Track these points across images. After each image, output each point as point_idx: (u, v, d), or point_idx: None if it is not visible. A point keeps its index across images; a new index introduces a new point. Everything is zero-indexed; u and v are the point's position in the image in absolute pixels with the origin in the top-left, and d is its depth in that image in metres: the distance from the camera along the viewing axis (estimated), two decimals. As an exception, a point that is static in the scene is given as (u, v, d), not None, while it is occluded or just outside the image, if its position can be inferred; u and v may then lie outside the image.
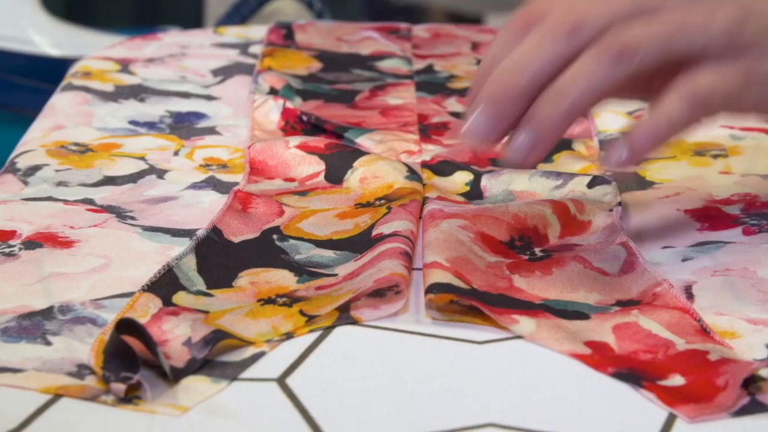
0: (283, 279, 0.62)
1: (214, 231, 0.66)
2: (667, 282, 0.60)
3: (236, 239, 0.66)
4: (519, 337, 0.57)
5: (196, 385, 0.53)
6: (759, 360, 0.55)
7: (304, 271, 0.63)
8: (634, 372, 0.54)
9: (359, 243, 0.66)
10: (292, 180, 0.74)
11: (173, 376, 0.53)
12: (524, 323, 0.57)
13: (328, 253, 0.65)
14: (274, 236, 0.66)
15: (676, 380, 0.53)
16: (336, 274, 0.63)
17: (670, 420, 0.51)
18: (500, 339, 0.57)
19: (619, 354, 0.55)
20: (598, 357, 0.55)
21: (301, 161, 0.75)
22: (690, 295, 0.60)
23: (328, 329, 0.58)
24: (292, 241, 0.66)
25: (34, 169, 0.74)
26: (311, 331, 0.57)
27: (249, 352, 0.56)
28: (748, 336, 0.57)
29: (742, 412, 0.51)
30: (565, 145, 0.77)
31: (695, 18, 0.58)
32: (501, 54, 0.59)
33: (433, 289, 0.59)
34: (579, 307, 0.59)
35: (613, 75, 0.57)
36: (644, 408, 0.52)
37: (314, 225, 0.68)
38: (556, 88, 0.58)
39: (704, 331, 0.57)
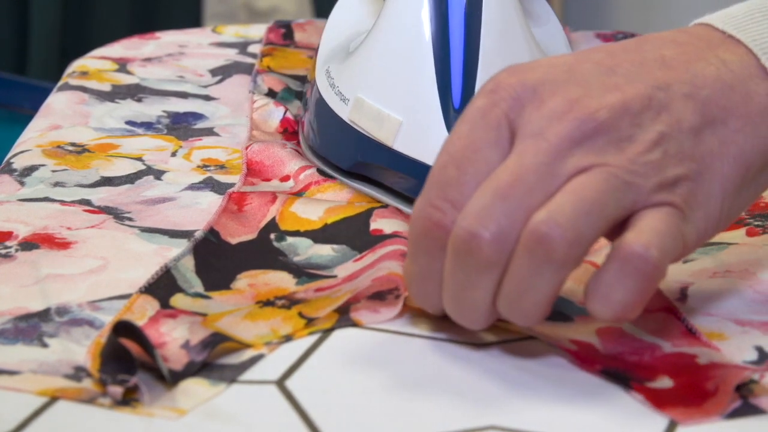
0: (281, 281, 0.62)
1: (212, 232, 0.65)
2: None
3: (234, 241, 0.65)
4: (520, 339, 0.57)
5: (194, 387, 0.53)
6: (749, 362, 0.54)
7: (303, 273, 0.63)
8: (622, 372, 0.53)
9: (356, 238, 0.65)
10: (287, 178, 0.73)
11: (171, 379, 0.53)
12: None
13: (326, 250, 0.65)
14: (272, 236, 0.66)
15: (665, 382, 0.53)
16: (335, 275, 0.62)
17: (673, 423, 0.50)
18: (501, 341, 0.57)
19: (606, 354, 0.55)
20: (584, 353, 0.55)
21: (295, 156, 0.75)
22: (683, 296, 0.60)
23: (327, 331, 0.57)
24: (289, 240, 0.66)
25: (30, 170, 0.74)
26: (311, 333, 0.57)
27: (248, 354, 0.55)
28: (735, 338, 0.57)
29: (734, 414, 0.51)
30: None
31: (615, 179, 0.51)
32: (426, 281, 0.54)
33: None
34: (563, 305, 0.59)
35: (557, 275, 0.51)
36: (647, 411, 0.51)
37: (305, 204, 0.68)
38: (511, 310, 0.52)
39: (690, 332, 0.56)
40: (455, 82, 0.68)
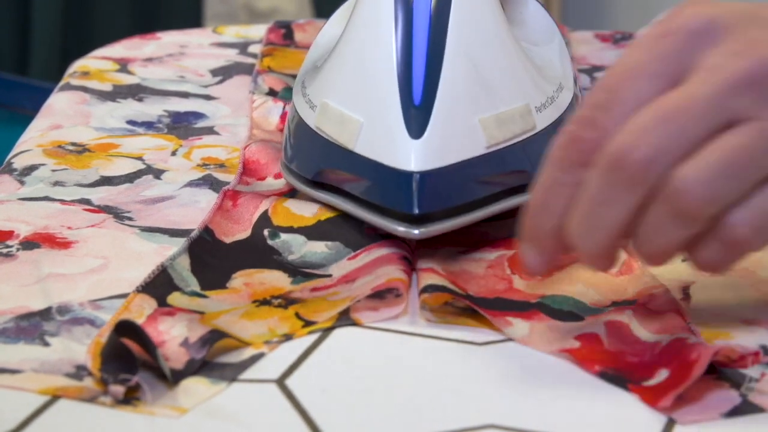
0: (277, 280, 0.62)
1: (206, 231, 0.65)
2: (663, 286, 0.60)
3: (228, 240, 0.65)
4: (519, 338, 0.57)
5: (195, 386, 0.53)
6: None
7: (298, 272, 0.63)
8: (620, 373, 0.54)
9: (350, 235, 0.65)
10: (280, 175, 0.73)
11: (173, 379, 0.53)
12: (518, 326, 0.57)
13: (320, 248, 0.65)
14: (265, 232, 0.66)
15: (661, 375, 0.53)
16: (330, 275, 0.62)
17: (671, 422, 0.51)
18: (500, 340, 0.57)
19: (607, 349, 0.55)
20: (586, 350, 0.55)
21: None
22: (686, 296, 0.60)
23: (327, 330, 0.58)
24: (283, 237, 0.65)
25: (30, 169, 0.74)
26: (310, 332, 0.57)
27: (248, 353, 0.56)
28: (741, 337, 0.57)
29: (734, 413, 0.51)
30: None
31: None
32: (555, 192, 0.54)
33: (428, 289, 0.58)
34: (575, 306, 0.59)
35: (686, 230, 0.52)
36: (645, 409, 0.52)
37: (299, 202, 0.68)
38: (638, 248, 0.53)
39: (691, 332, 0.56)
40: (417, 77, 0.63)
